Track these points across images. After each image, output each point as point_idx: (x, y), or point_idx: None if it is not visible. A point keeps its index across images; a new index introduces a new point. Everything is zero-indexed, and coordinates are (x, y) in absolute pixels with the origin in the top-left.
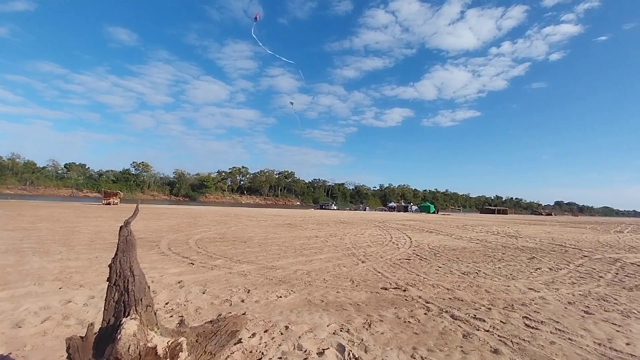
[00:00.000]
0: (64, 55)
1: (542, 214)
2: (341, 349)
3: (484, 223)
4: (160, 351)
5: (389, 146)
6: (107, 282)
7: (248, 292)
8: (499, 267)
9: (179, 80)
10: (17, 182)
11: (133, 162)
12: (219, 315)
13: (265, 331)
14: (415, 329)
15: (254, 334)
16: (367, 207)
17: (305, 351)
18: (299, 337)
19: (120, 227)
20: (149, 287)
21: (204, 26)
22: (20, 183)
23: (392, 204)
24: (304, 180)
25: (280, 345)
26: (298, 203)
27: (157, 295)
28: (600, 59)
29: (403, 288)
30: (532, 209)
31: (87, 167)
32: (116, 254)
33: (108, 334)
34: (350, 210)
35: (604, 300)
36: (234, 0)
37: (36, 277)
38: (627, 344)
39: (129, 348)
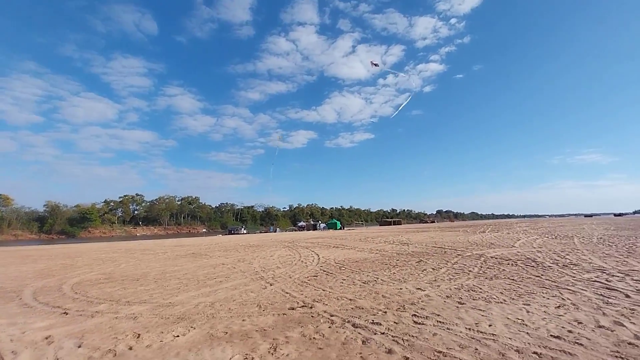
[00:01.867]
0: None
1: (427, 222)
2: None
3: (382, 234)
4: None
5: (295, 167)
6: None
7: (138, 337)
8: (394, 273)
9: (52, 97)
10: None
11: None
12: None
13: None
14: (320, 344)
15: None
16: (278, 229)
17: None
18: None
19: None
20: None
21: (86, 37)
22: None
23: (302, 224)
24: (210, 205)
25: None
26: (204, 230)
27: (18, 357)
28: (458, 92)
29: (310, 305)
30: (420, 218)
31: None
32: None
33: None
34: (260, 232)
35: (472, 290)
36: (123, 13)
37: None
38: (489, 325)
39: None
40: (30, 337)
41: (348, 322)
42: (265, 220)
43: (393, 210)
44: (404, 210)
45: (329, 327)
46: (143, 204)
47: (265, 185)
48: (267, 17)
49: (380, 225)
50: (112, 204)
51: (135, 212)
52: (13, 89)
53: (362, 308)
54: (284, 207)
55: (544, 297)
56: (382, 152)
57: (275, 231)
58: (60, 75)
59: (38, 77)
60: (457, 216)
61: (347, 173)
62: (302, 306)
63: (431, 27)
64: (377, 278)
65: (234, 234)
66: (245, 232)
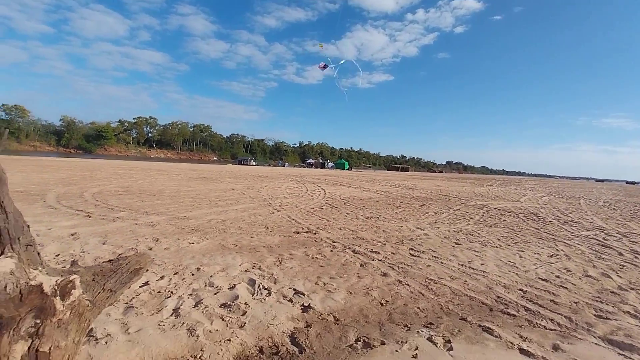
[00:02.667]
0: None
1: (435, 172)
2: (252, 282)
3: (389, 179)
4: (47, 289)
5: (309, 104)
6: None
7: (157, 241)
8: (396, 213)
9: (60, 6)
10: None
11: (2, 105)
12: (120, 254)
13: (175, 273)
14: (321, 263)
15: (162, 277)
16: (287, 164)
17: (216, 287)
18: (211, 276)
19: None
20: (28, 226)
21: None
22: None
23: (311, 161)
24: (221, 135)
25: (190, 284)
26: (215, 158)
27: (45, 248)
28: (493, 35)
29: (314, 231)
30: (429, 167)
31: None
32: None
33: None
34: (269, 166)
35: (470, 234)
36: None
37: None
38: (482, 264)
39: (5, 287)
40: (57, 233)
41: (349, 248)
42: (274, 154)
43: (402, 156)
44: (414, 157)
45: (331, 251)
46: (157, 127)
47: (277, 120)
48: None
49: (388, 170)
50: (126, 124)
51: (149, 134)
52: None
53: (363, 239)
54: (294, 143)
55: (539, 246)
56: (400, 96)
57: (284, 166)
58: None
59: None
60: (467, 169)
61: (361, 115)
62: (307, 232)
63: None
64: (380, 215)
65: (243, 164)
66: (254, 164)
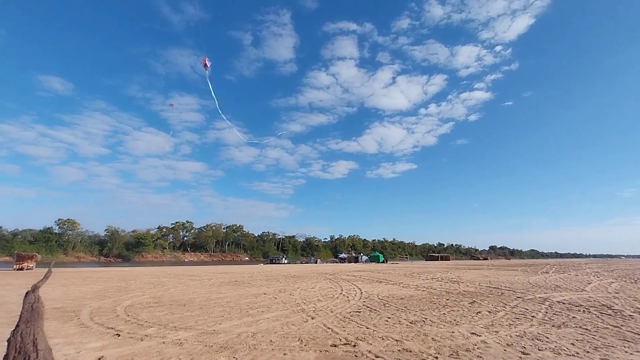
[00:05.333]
0: None
1: (479, 259)
2: None
3: (429, 270)
4: None
5: (336, 197)
6: None
7: None
8: (444, 314)
9: (118, 132)
10: None
11: (58, 220)
12: None
13: None
14: None
15: None
16: (319, 260)
17: None
18: None
19: (27, 293)
20: None
21: (148, 79)
22: None
23: (343, 255)
24: (253, 234)
25: None
26: (247, 258)
27: None
28: (508, 120)
29: (353, 343)
30: (471, 254)
31: None
32: (17, 325)
33: None
34: (301, 263)
35: (537, 339)
36: (180, 56)
37: None
38: None
39: None
40: (84, 357)
41: None
42: (305, 250)
43: (440, 244)
44: (452, 244)
45: None
46: (192, 231)
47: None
48: (308, 54)
49: (426, 260)
50: (164, 230)
51: (185, 238)
52: (85, 125)
53: (410, 351)
54: (325, 238)
55: (626, 352)
56: (426, 183)
57: (315, 262)
58: (126, 113)
59: (107, 114)
60: (514, 253)
61: (390, 204)
62: (345, 344)
63: (474, 55)
64: (426, 318)
65: (275, 263)
66: (286, 261)
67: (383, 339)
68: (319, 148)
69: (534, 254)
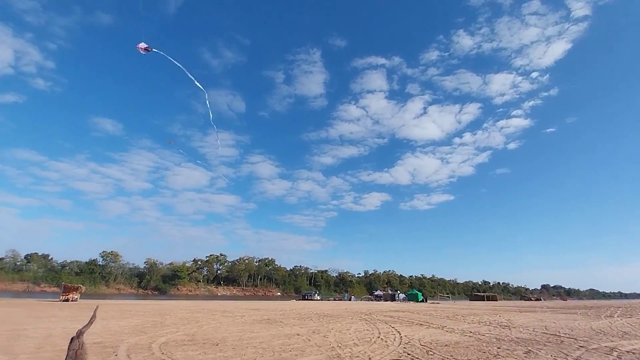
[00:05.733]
0: (45, 143)
1: (531, 299)
2: None
3: (475, 312)
4: None
5: (369, 230)
6: None
7: None
8: None
9: (160, 167)
10: None
11: (102, 252)
12: None
13: None
14: None
15: None
16: (353, 297)
17: None
18: None
19: (72, 339)
20: None
21: (189, 117)
22: None
23: (379, 293)
24: (285, 268)
25: None
26: (279, 293)
27: None
28: (550, 147)
29: None
30: (521, 294)
31: (50, 257)
32: None
33: None
34: (334, 300)
35: None
36: (218, 96)
37: None
38: None
39: None
40: None
41: None
42: (339, 285)
43: (485, 282)
44: (499, 283)
45: None
46: (225, 264)
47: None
48: (338, 88)
49: (470, 300)
50: (199, 262)
51: (218, 271)
52: (132, 162)
53: None
54: (359, 273)
55: None
56: (465, 215)
57: (349, 299)
58: (168, 150)
59: (151, 151)
60: (570, 293)
61: (426, 237)
62: None
63: (509, 82)
64: None
65: (307, 299)
66: (318, 297)
67: None
68: (351, 180)
69: (593, 294)
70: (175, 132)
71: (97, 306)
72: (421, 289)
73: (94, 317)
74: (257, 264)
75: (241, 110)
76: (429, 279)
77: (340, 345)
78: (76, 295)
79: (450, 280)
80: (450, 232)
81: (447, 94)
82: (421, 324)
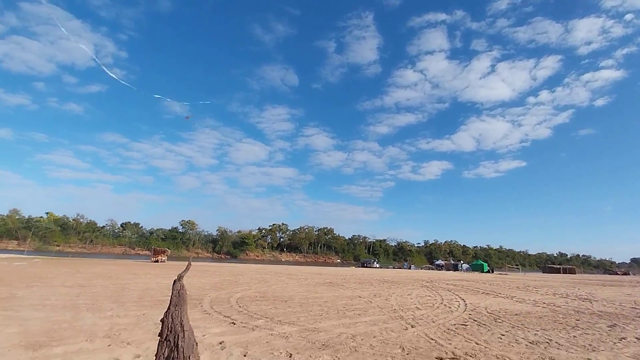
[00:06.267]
0: (127, 127)
1: (617, 274)
2: None
3: (549, 284)
4: None
5: (429, 200)
6: (159, 337)
7: (290, 357)
8: (574, 336)
9: (223, 144)
10: (78, 241)
11: (181, 221)
12: None
13: None
14: None
15: None
16: (412, 265)
17: None
18: None
19: (174, 281)
20: (197, 343)
21: (246, 95)
22: (82, 242)
23: (440, 262)
24: (343, 237)
25: None
26: (338, 260)
27: (200, 356)
28: None
29: (462, 358)
30: (605, 267)
31: (140, 226)
32: (169, 308)
33: None
34: (393, 268)
35: None
36: (271, 71)
37: (88, 333)
38: None
39: None
40: (209, 340)
41: None
42: (397, 255)
43: (561, 254)
44: (578, 255)
45: None
46: (287, 233)
47: (397, 218)
48: (393, 52)
49: (543, 272)
50: (263, 231)
51: (281, 239)
52: (199, 140)
53: None
54: (418, 243)
55: None
56: (539, 182)
57: (409, 268)
58: (229, 127)
59: (215, 129)
60: None
61: (493, 207)
62: (452, 358)
63: (597, 28)
64: (550, 340)
65: (366, 267)
66: (377, 266)
67: (498, 357)
68: (408, 149)
69: None
70: (234, 110)
71: (191, 257)
72: (487, 259)
73: (189, 265)
74: (317, 233)
75: (294, 83)
76: (495, 249)
77: (402, 308)
78: (164, 257)
79: (520, 251)
80: (521, 201)
81: (520, 48)
82: (487, 293)
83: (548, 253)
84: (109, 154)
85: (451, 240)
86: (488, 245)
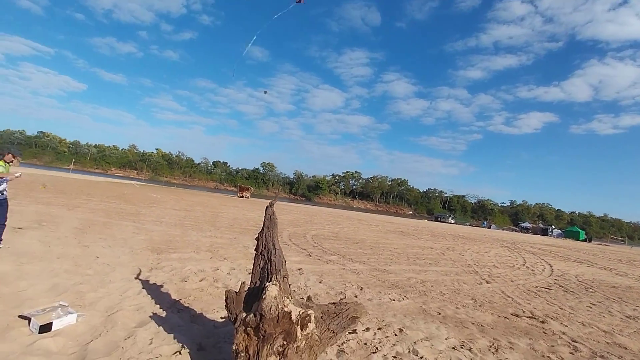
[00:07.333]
0: (215, 73)
1: None
2: None
3: None
4: (293, 317)
5: (522, 157)
6: (255, 251)
7: (361, 290)
8: None
9: (301, 90)
10: (180, 174)
11: (262, 163)
12: (341, 299)
13: (379, 329)
14: None
15: (367, 329)
16: (493, 225)
17: (421, 357)
18: (414, 342)
19: (266, 207)
20: (285, 261)
21: (324, 38)
22: (183, 175)
23: (527, 225)
24: (417, 189)
25: (394, 345)
26: (410, 212)
27: None
28: None
29: (541, 319)
30: None
31: (227, 164)
32: (262, 229)
33: (255, 294)
34: (471, 225)
35: None
36: (352, 9)
37: (195, 246)
38: None
39: (270, 308)
40: (289, 266)
41: (601, 357)
42: (477, 213)
43: None
44: None
45: (571, 353)
46: (360, 181)
47: (481, 175)
48: None
49: None
50: (337, 177)
51: (353, 187)
52: (277, 85)
53: (626, 348)
54: (503, 202)
55: None
56: None
57: (488, 227)
58: (307, 72)
59: (292, 75)
60: None
61: (604, 169)
62: (530, 317)
63: None
64: None
65: (440, 221)
66: (452, 221)
67: (584, 325)
68: (504, 97)
69: None
70: (312, 54)
71: (277, 192)
72: (585, 227)
73: (276, 197)
74: (390, 183)
75: (376, 23)
76: (598, 217)
77: (477, 264)
78: (248, 194)
79: (630, 222)
80: None
81: None
82: (580, 262)
83: None
84: (201, 98)
85: (543, 203)
86: (589, 212)
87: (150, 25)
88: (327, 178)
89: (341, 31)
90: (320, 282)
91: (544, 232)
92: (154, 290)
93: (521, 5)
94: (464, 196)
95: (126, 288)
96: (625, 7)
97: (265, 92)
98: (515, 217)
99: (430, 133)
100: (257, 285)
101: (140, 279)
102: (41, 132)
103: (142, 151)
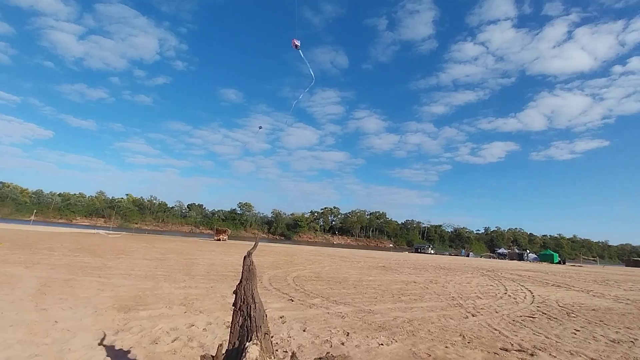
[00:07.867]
0: (189, 115)
1: None
2: None
3: (634, 279)
4: None
5: (491, 184)
6: (233, 307)
7: (347, 335)
8: None
9: (276, 129)
10: (152, 220)
11: (239, 203)
12: (327, 353)
13: None
14: None
15: None
16: (471, 253)
17: None
18: None
19: (244, 257)
20: (266, 315)
21: (296, 80)
22: (155, 220)
23: (503, 251)
24: (396, 221)
25: None
26: (391, 245)
27: None
28: None
29: (530, 351)
30: None
31: (203, 207)
32: (241, 281)
33: (234, 356)
34: (450, 255)
35: None
36: (321, 54)
37: (167, 300)
38: None
39: None
40: (270, 314)
41: None
42: (454, 241)
43: None
44: None
45: None
46: (339, 216)
47: (454, 203)
48: (450, 25)
49: (627, 266)
50: (315, 214)
51: (333, 222)
52: (252, 125)
53: None
54: (478, 230)
55: None
56: (626, 164)
57: (467, 255)
58: (281, 112)
59: (267, 115)
60: None
61: (566, 193)
62: (519, 350)
63: None
64: (636, 339)
65: (420, 252)
66: (432, 252)
67: (572, 354)
68: (467, 129)
69: None
70: (285, 94)
71: (258, 235)
72: (557, 250)
73: (257, 243)
74: (369, 216)
75: (344, 65)
76: (568, 239)
77: (461, 296)
78: (225, 236)
79: (598, 242)
80: (601, 186)
81: (605, 9)
82: (559, 286)
83: (633, 244)
84: (175, 140)
85: (516, 228)
86: (559, 235)
87: (122, 72)
88: (305, 215)
89: (310, 75)
90: (304, 331)
91: (520, 257)
92: (120, 358)
93: (473, 46)
94: (440, 225)
95: (88, 357)
96: (569, 42)
97: (260, 128)
98: (491, 243)
99: (403, 166)
100: (236, 346)
101: (104, 345)
102: (1, 182)
103: (110, 197)
